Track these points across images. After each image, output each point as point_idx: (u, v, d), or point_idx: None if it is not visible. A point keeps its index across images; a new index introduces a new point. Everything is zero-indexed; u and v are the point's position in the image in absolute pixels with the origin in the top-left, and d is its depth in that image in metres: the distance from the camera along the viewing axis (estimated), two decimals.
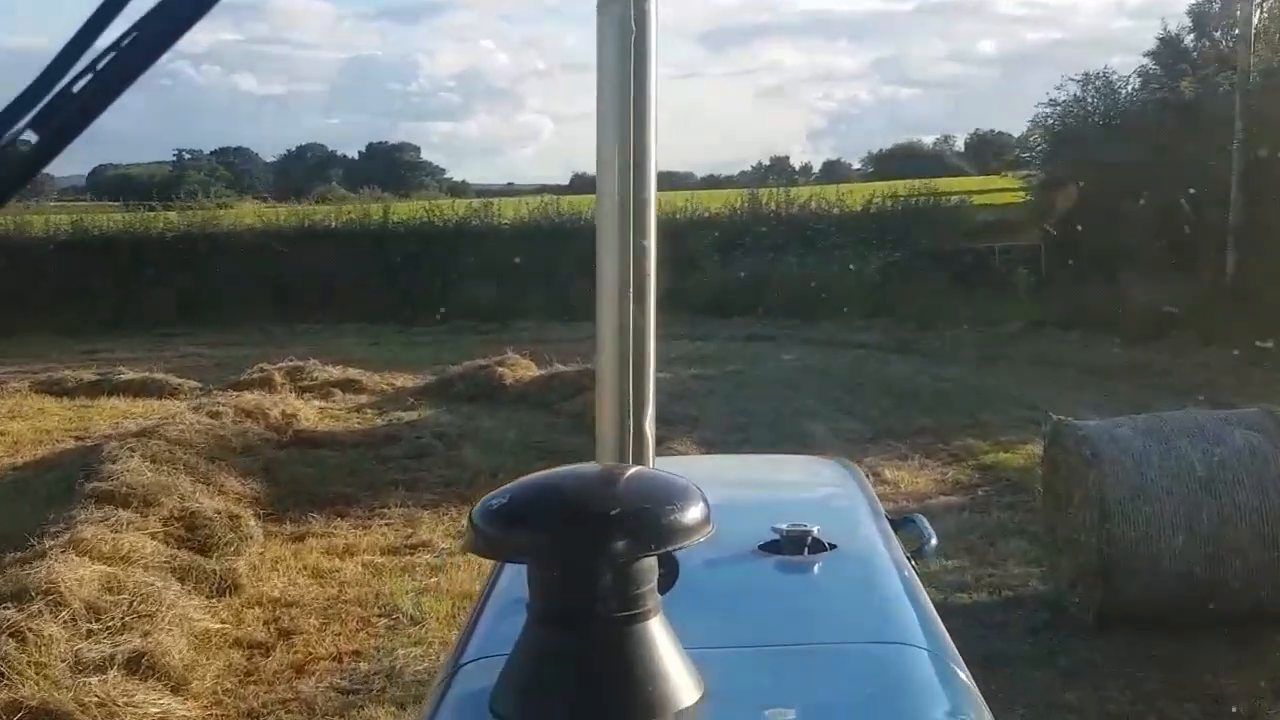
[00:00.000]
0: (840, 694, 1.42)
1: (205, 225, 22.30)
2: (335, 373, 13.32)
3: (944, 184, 25.14)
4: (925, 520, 2.49)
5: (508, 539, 1.26)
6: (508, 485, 1.31)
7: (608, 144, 1.50)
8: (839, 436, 10.93)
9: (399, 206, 23.07)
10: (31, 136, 0.99)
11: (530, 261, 21.00)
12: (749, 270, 20.48)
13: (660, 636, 1.24)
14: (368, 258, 20.95)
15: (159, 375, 12.97)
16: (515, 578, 1.51)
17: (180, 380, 13.18)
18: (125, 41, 1.00)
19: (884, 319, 18.45)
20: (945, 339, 16.61)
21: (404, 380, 13.57)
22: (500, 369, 12.80)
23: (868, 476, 2.84)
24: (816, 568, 1.80)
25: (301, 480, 9.08)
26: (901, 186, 23.41)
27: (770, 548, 1.84)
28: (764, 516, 1.92)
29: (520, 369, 13.00)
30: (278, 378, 12.92)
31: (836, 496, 2.45)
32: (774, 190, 24.51)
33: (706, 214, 23.17)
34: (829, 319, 18.86)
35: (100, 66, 0.99)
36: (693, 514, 1.23)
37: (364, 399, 12.72)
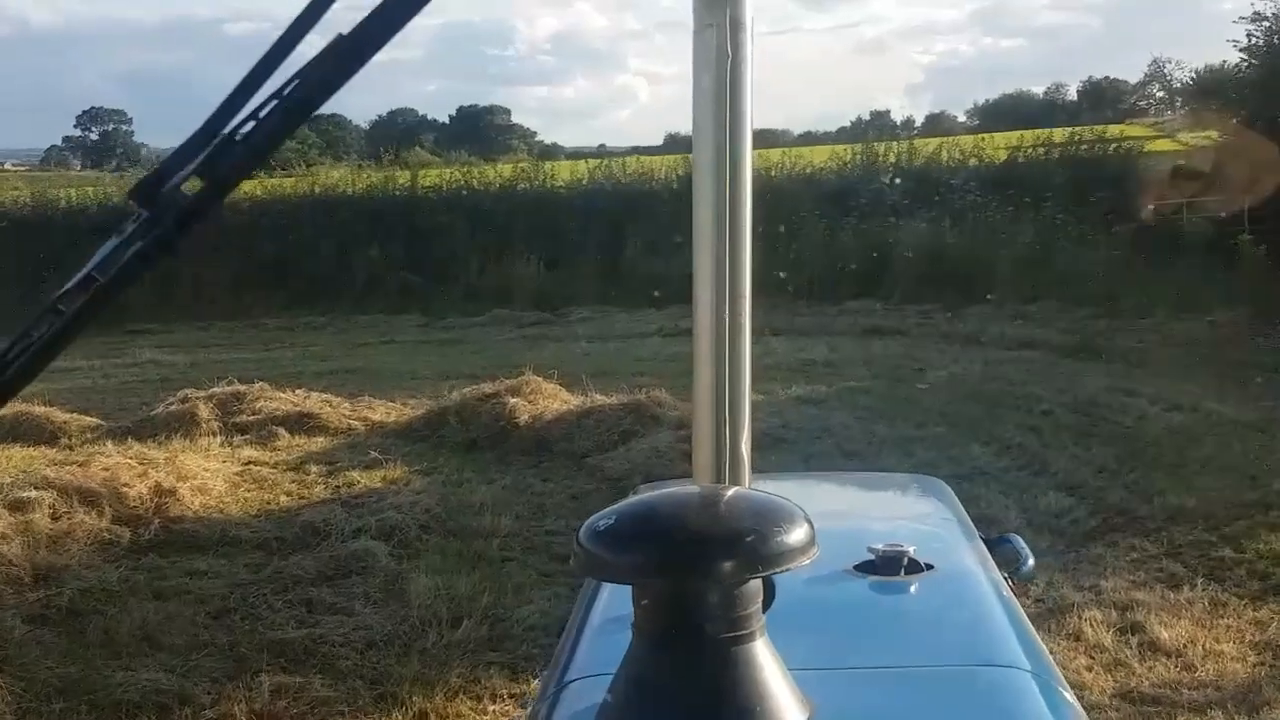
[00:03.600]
0: (947, 716, 1.39)
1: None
2: (287, 403, 9.37)
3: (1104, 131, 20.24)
4: (1021, 539, 2.35)
5: (616, 560, 1.24)
6: (614, 506, 1.29)
7: (705, 165, 1.58)
8: (1042, 525, 6.63)
9: (430, 173, 18.90)
10: (196, 183, 1.01)
11: (590, 233, 16.90)
12: (866, 239, 16.03)
13: (766, 657, 1.23)
14: (390, 233, 16.97)
15: (39, 410, 9.16)
16: (611, 597, 1.64)
17: (70, 417, 9.34)
18: (288, 90, 1.02)
19: (1052, 303, 13.87)
20: (1148, 336, 12.02)
21: (385, 411, 9.55)
22: (513, 400, 8.70)
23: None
24: (913, 588, 1.76)
25: (87, 664, 5.01)
26: (1058, 134, 18.61)
27: (866, 568, 1.80)
28: (858, 536, 1.88)
29: (543, 398, 8.88)
30: (203, 411, 9.03)
31: (930, 515, 2.38)
32: (893, 142, 19.82)
33: (809, 169, 18.70)
34: (977, 301, 14.35)
35: (263, 115, 1.01)
36: (798, 536, 1.23)
37: (319, 443, 8.75)
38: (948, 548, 2.02)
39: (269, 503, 7.29)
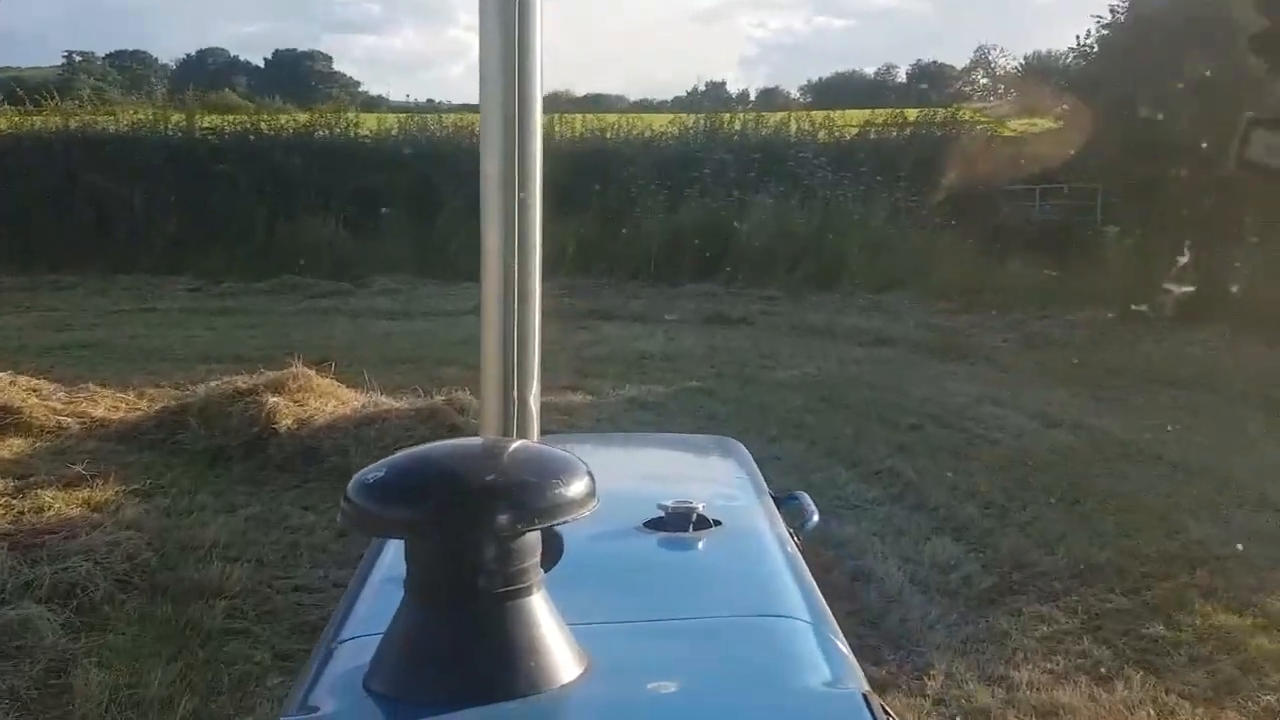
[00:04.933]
0: (722, 665, 1.36)
1: None
2: None
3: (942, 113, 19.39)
4: (808, 496, 2.35)
5: (385, 514, 1.18)
6: (385, 459, 1.22)
7: (491, 88, 1.50)
8: (929, 583, 5.31)
9: (210, 118, 16.27)
10: None
11: (399, 193, 14.92)
12: (709, 214, 14.62)
13: (542, 612, 1.19)
14: (160, 181, 14.51)
15: None
16: (394, 556, 1.50)
17: None
18: None
19: (908, 292, 12.77)
20: (1010, 335, 11.00)
21: (112, 404, 7.53)
22: (274, 399, 6.83)
23: None
24: (701, 544, 1.74)
25: None
26: (911, 113, 17.63)
27: (655, 524, 1.77)
28: (649, 493, 1.86)
29: (314, 397, 7.04)
30: None
31: (723, 474, 2.37)
32: (739, 112, 18.41)
33: (647, 135, 17.15)
34: (827, 289, 13.16)
35: None
36: (577, 488, 1.18)
37: (13, 447, 6.69)
38: (737, 504, 2.01)
39: None
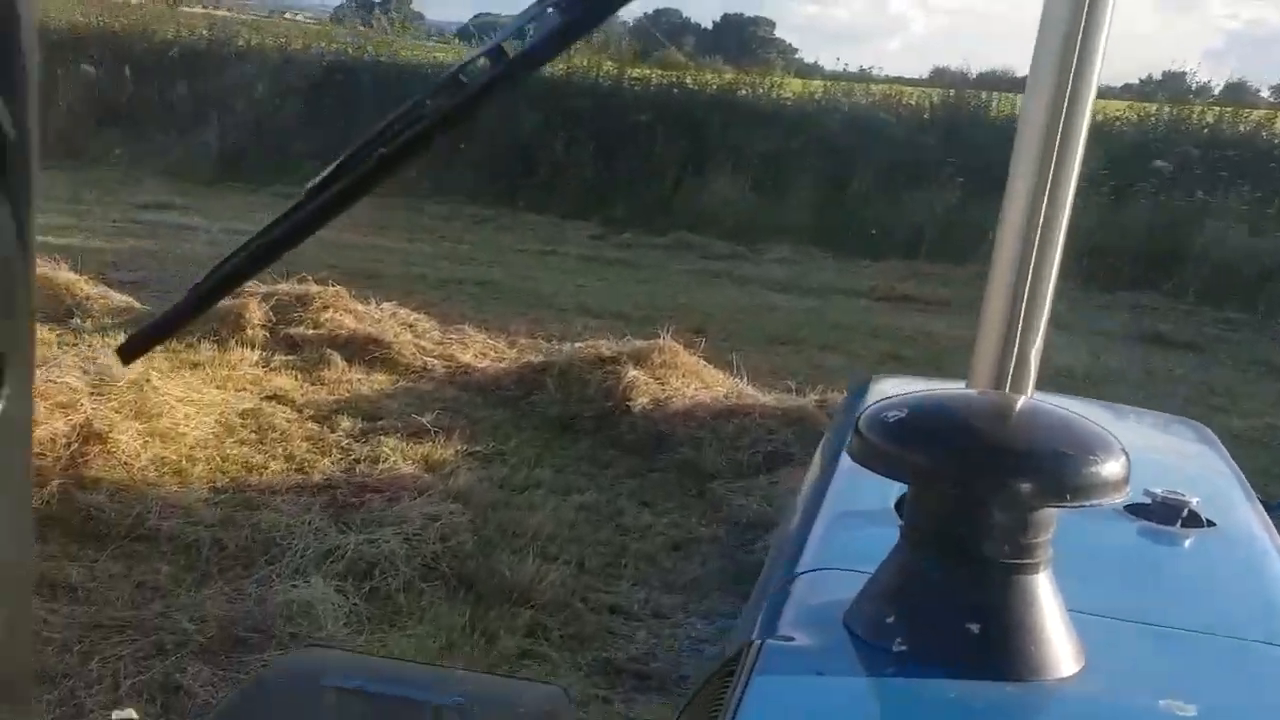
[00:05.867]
0: (1240, 697, 1.21)
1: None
2: (363, 318, 7.24)
3: None
4: None
5: (905, 456, 1.13)
6: (894, 399, 1.19)
7: (1047, 51, 1.43)
8: None
9: (640, 69, 16.14)
10: None
11: (812, 158, 14.05)
12: (1162, 215, 12.55)
13: (1048, 593, 1.12)
14: (582, 127, 14.53)
15: (64, 276, 7.38)
16: (850, 489, 1.56)
17: (97, 292, 7.48)
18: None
19: None
20: None
21: (481, 349, 7.26)
22: (634, 372, 6.19)
23: None
24: (1192, 543, 1.59)
25: None
26: None
27: (1139, 511, 1.63)
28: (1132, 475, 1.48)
29: (677, 375, 6.32)
30: (252, 312, 6.99)
31: (1204, 465, 2.14)
32: (1211, 105, 15.75)
33: (1098, 119, 15.09)
34: None
35: None
36: (1113, 468, 1.09)
37: (376, 383, 6.56)
38: (1227, 504, 1.81)
39: (250, 472, 5.17)
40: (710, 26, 67.44)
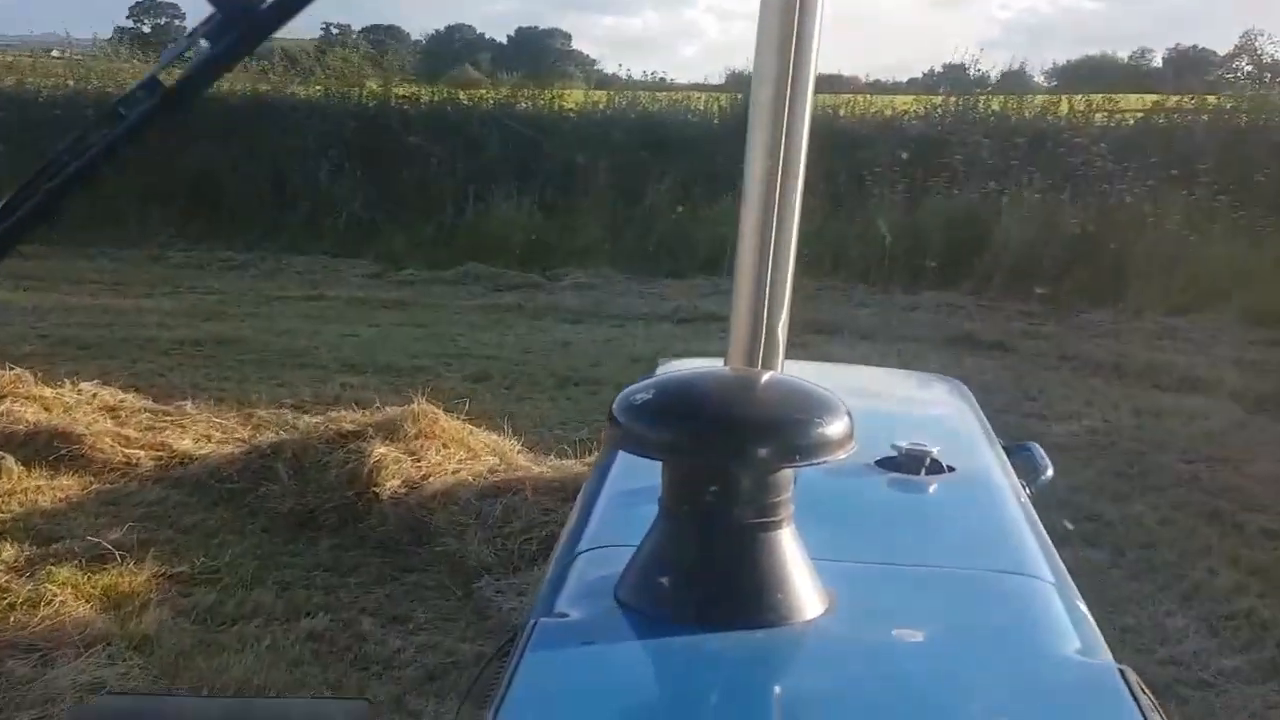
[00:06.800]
0: (969, 620, 1.34)
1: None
2: (52, 405, 5.92)
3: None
4: (1041, 449, 2.30)
5: (652, 435, 1.21)
6: (645, 381, 1.28)
7: (767, 40, 1.54)
8: None
9: (405, 87, 14.95)
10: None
11: (600, 174, 13.22)
12: (959, 209, 12.24)
13: (791, 546, 1.23)
14: (350, 153, 13.27)
15: None
16: (628, 470, 1.62)
17: None
18: None
19: (1215, 315, 10.09)
20: None
21: (205, 429, 6.05)
22: (382, 449, 5.13)
23: None
24: (934, 489, 1.73)
25: None
26: (1212, 98, 14.59)
27: (887, 464, 1.76)
28: (880, 430, 1.81)
29: (436, 447, 5.28)
30: None
31: (951, 417, 2.29)
32: (996, 95, 15.58)
33: (889, 113, 14.84)
34: (1104, 306, 10.65)
35: None
36: (837, 428, 1.21)
37: (63, 488, 5.27)
38: (969, 451, 1.96)
39: None
40: (505, 41, 66.78)
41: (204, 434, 5.97)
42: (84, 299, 10.00)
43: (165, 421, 6.05)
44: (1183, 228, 11.52)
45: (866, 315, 10.51)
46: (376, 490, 5.00)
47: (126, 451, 5.62)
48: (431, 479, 5.09)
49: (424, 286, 11.54)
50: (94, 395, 6.20)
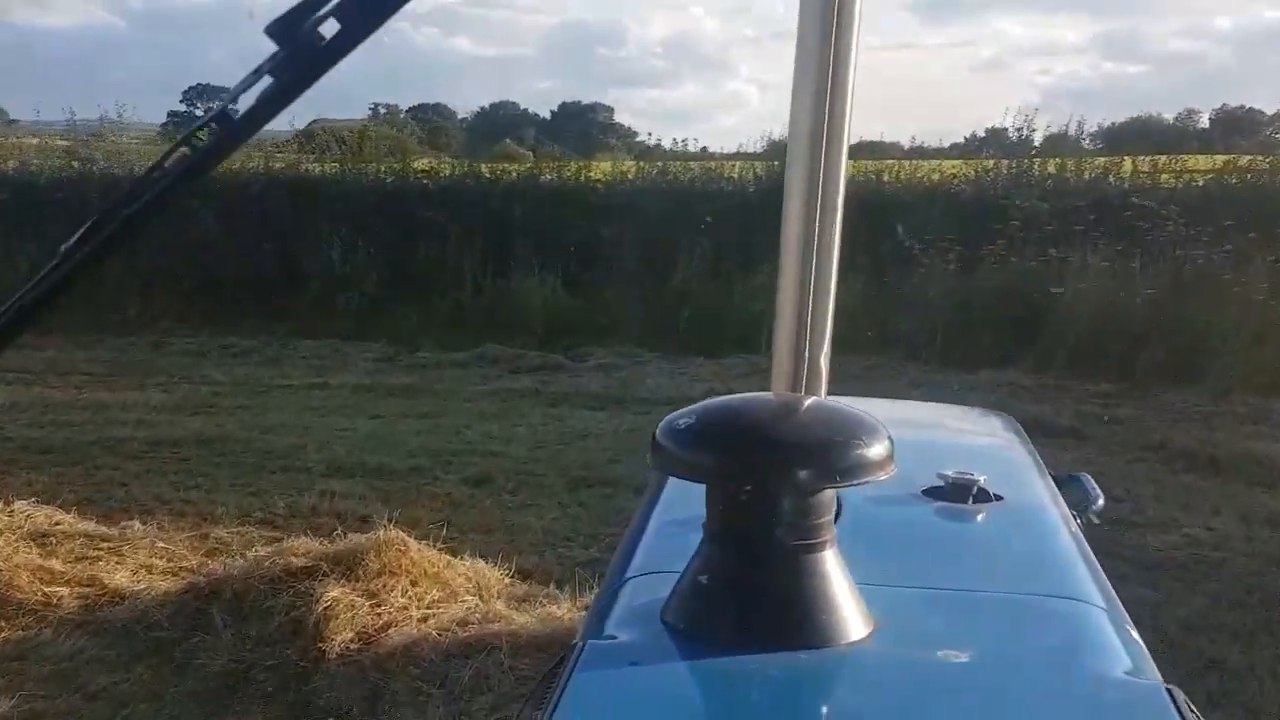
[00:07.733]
0: (1015, 643, 1.33)
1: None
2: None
3: None
4: (1091, 479, 2.24)
5: (693, 459, 1.22)
6: (690, 407, 1.27)
7: (802, 109, 1.57)
8: None
9: (423, 161, 14.34)
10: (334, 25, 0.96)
11: (629, 246, 12.38)
12: (1017, 278, 11.23)
13: (834, 568, 1.22)
14: (368, 231, 12.54)
15: None
16: (678, 496, 1.64)
17: None
18: None
19: None
20: None
21: (145, 558, 5.16)
22: (336, 592, 4.24)
23: None
24: (981, 516, 1.72)
25: None
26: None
27: (934, 493, 1.75)
28: (928, 461, 1.83)
29: (402, 589, 4.41)
30: None
31: (999, 448, 2.33)
32: (1053, 158, 14.58)
33: (936, 176, 13.93)
34: (1186, 385, 9.56)
35: None
36: (877, 450, 1.21)
37: None
38: (1017, 481, 1.95)
39: None
40: (549, 116, 67.22)
41: (144, 563, 5.10)
42: (69, 393, 9.25)
43: (102, 549, 5.19)
44: (1270, 296, 10.42)
45: (919, 398, 9.49)
46: (323, 647, 4.07)
47: (47, 590, 4.74)
48: (392, 630, 4.15)
49: (436, 370, 10.70)
50: (27, 517, 5.36)
